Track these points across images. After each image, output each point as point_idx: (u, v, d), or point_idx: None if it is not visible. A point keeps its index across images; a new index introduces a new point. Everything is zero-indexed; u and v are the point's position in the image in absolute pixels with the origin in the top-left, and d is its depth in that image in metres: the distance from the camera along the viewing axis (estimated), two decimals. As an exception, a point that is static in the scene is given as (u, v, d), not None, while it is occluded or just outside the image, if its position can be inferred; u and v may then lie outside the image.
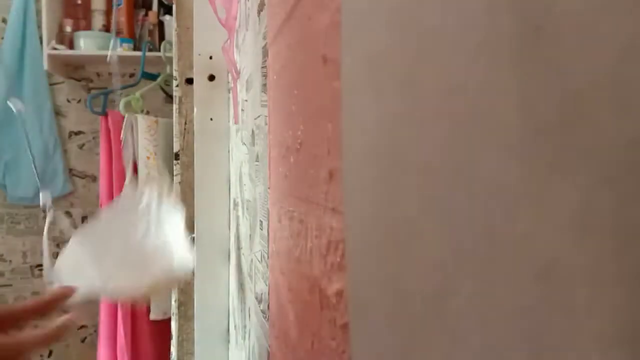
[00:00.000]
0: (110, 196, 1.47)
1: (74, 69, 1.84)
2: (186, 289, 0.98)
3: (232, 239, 0.91)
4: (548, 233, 0.12)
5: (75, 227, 1.87)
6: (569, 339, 0.11)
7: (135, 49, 1.67)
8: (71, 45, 1.67)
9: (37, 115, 1.75)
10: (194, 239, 0.95)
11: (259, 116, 0.54)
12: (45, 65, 1.63)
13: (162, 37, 1.69)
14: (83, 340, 1.89)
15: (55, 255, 1.90)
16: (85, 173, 1.87)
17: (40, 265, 1.86)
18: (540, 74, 0.12)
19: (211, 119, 0.94)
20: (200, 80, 0.94)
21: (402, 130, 0.18)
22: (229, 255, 0.96)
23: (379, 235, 0.20)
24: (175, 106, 1.00)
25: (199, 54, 0.93)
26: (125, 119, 1.43)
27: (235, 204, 0.84)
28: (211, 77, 0.94)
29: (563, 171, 0.11)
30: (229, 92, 0.92)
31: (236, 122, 0.81)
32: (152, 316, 1.47)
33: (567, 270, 0.11)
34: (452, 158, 0.15)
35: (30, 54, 1.71)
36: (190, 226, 0.97)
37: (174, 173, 1.00)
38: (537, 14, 0.12)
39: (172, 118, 1.12)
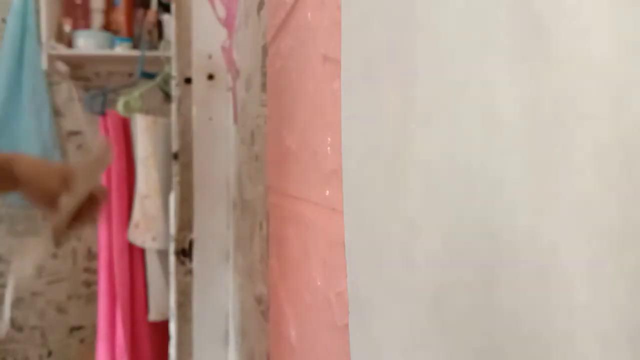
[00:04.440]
0: (109, 196, 1.47)
1: (73, 69, 1.84)
2: (185, 290, 0.98)
3: (232, 239, 0.90)
4: (548, 232, 0.12)
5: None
6: (569, 339, 0.11)
7: (134, 48, 1.67)
8: (70, 45, 1.67)
9: (35, 115, 1.75)
10: (193, 240, 0.95)
11: (258, 116, 0.54)
12: (44, 64, 1.62)
13: (161, 36, 1.69)
14: (82, 341, 1.89)
15: (54, 257, 1.88)
16: (84, 173, 1.87)
17: (39, 265, 1.86)
18: (540, 73, 0.12)
19: (210, 119, 0.94)
20: (199, 80, 0.94)
21: (402, 130, 0.18)
22: (228, 256, 0.95)
23: (379, 235, 0.20)
24: (174, 106, 1.00)
25: (198, 53, 0.93)
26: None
27: (235, 205, 0.84)
28: (210, 77, 0.94)
29: (563, 170, 0.11)
30: (228, 92, 0.92)
31: (236, 122, 0.81)
32: (151, 317, 1.46)
33: (567, 270, 0.11)
34: (452, 157, 0.15)
35: (30, 54, 1.71)
36: (189, 227, 0.97)
37: (173, 173, 1.00)
38: (538, 13, 0.12)
39: (170, 118, 1.12)
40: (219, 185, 0.95)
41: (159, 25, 1.72)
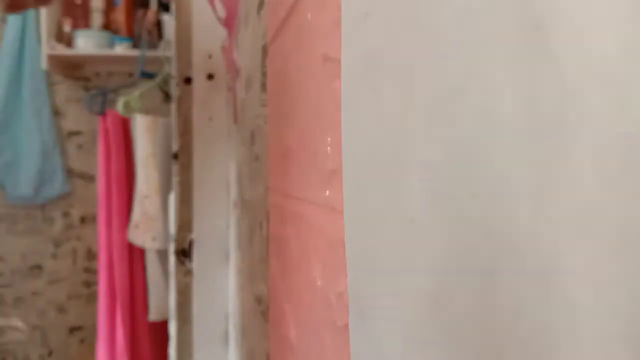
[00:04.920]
0: (109, 197, 1.47)
1: (73, 69, 1.84)
2: (185, 290, 0.98)
3: (232, 240, 0.90)
4: (548, 233, 0.12)
5: (73, 227, 1.87)
6: (569, 339, 0.11)
7: (134, 48, 1.67)
8: (70, 44, 1.67)
9: (36, 115, 1.75)
10: (193, 240, 0.95)
11: (258, 116, 0.54)
12: (44, 64, 1.62)
13: (160, 36, 1.69)
14: (82, 341, 1.89)
15: (54, 257, 1.89)
16: (84, 173, 1.87)
17: (39, 265, 1.86)
18: (541, 73, 0.12)
19: (210, 119, 0.94)
20: (199, 80, 0.94)
21: (402, 130, 0.18)
22: (228, 256, 0.95)
23: (379, 235, 0.20)
24: (174, 106, 1.00)
25: (198, 53, 0.93)
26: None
27: (235, 205, 0.84)
28: (210, 77, 0.94)
29: (563, 170, 0.11)
30: (228, 92, 0.92)
31: (236, 122, 0.81)
32: (151, 317, 1.46)
33: (568, 270, 0.11)
34: (452, 158, 0.15)
35: (29, 53, 1.71)
36: (189, 227, 0.97)
37: (173, 173, 1.00)
38: (538, 13, 0.12)
39: (170, 118, 1.12)
40: (219, 185, 0.95)
41: (159, 25, 1.72)
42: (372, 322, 0.21)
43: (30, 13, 1.72)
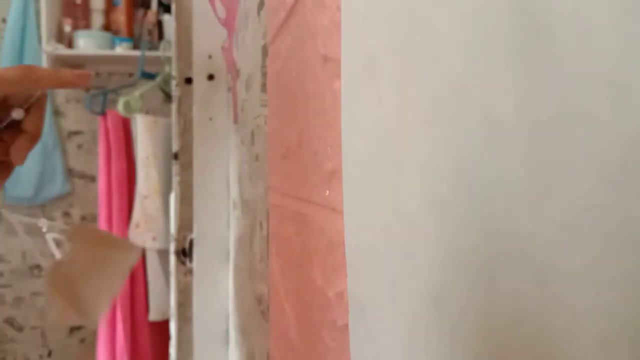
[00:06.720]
0: (109, 196, 1.47)
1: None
2: (185, 289, 0.98)
3: (232, 239, 0.90)
4: (548, 233, 0.12)
5: (74, 227, 1.87)
6: (569, 339, 0.11)
7: (134, 48, 1.67)
8: (70, 45, 1.67)
9: (36, 115, 1.75)
10: (193, 239, 0.95)
11: (258, 116, 0.54)
12: (44, 64, 1.63)
13: (161, 36, 1.69)
14: (82, 341, 1.89)
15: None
16: (84, 173, 1.87)
17: (39, 265, 1.86)
18: (540, 74, 0.12)
19: (210, 119, 0.94)
20: (199, 80, 0.94)
21: (402, 130, 0.18)
22: (228, 256, 0.95)
23: (379, 235, 0.20)
24: (174, 106, 1.00)
25: (198, 54, 0.93)
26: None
27: (235, 205, 0.84)
28: (210, 77, 0.94)
29: (563, 171, 0.11)
30: (228, 92, 0.92)
31: (236, 122, 0.81)
32: (151, 317, 1.46)
33: (567, 271, 0.11)
34: (451, 158, 0.15)
35: (30, 54, 1.71)
36: (189, 227, 0.97)
37: (173, 173, 1.00)
38: (538, 13, 0.12)
39: (171, 118, 1.12)
40: (219, 185, 0.95)
41: (159, 25, 1.72)
42: (372, 322, 0.21)
43: (30, 13, 1.72)
